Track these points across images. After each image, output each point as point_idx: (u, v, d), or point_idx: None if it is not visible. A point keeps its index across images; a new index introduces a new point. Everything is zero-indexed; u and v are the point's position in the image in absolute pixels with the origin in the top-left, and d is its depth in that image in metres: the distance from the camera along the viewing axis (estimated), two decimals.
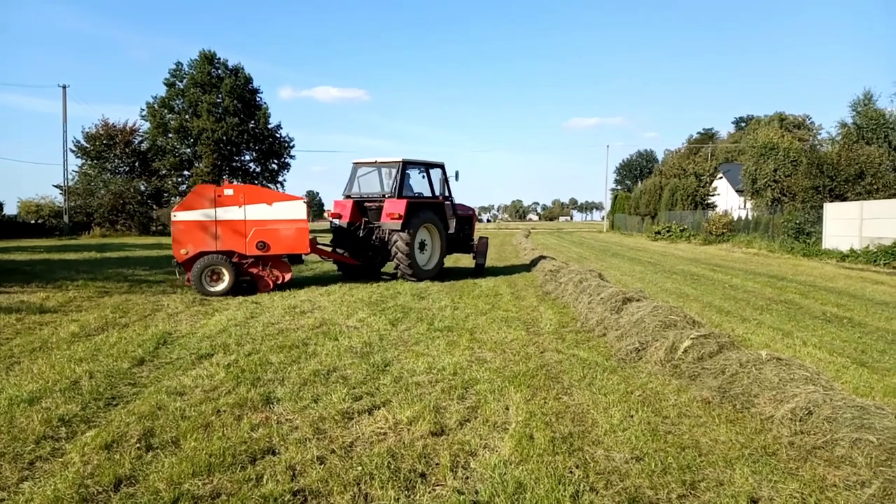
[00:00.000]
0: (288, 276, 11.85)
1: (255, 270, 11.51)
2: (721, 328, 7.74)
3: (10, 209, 39.49)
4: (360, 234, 13.34)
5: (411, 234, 12.62)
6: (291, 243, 11.55)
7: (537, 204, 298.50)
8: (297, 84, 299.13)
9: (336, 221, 12.84)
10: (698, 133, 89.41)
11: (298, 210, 11.63)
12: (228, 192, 11.15)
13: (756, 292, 12.16)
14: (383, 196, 13.10)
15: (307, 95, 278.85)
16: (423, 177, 14.07)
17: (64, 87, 36.59)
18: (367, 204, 13.59)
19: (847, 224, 20.73)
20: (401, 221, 12.40)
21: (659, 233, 38.37)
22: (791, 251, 22.39)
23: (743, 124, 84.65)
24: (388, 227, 12.71)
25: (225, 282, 10.96)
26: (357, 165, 14.07)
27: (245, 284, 11.37)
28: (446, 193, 14.53)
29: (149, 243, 28.59)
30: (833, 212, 21.78)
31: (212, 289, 10.88)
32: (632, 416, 4.48)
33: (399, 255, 12.63)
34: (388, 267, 14.19)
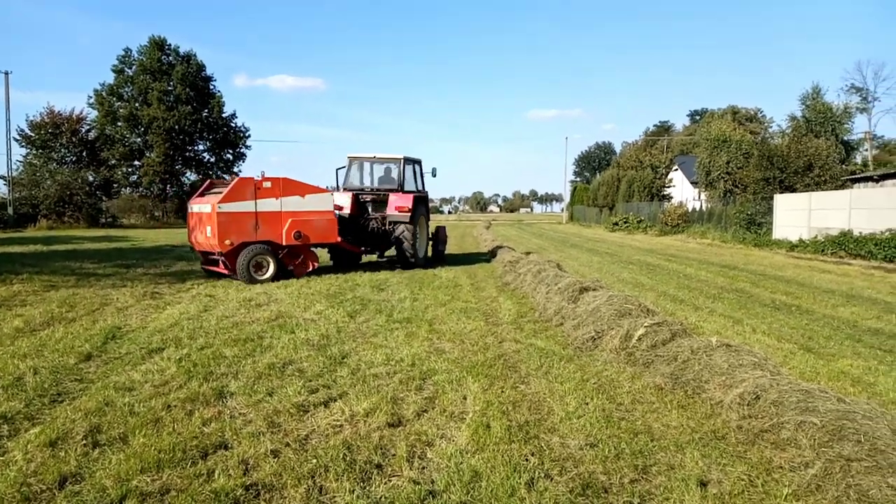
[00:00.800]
0: (316, 265, 12.58)
1: (289, 259, 12.10)
2: (674, 316, 7.90)
3: None
4: (366, 225, 14.21)
5: (415, 225, 13.85)
6: (323, 233, 12.36)
7: (498, 196, 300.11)
8: (252, 72, 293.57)
9: (337, 213, 13.11)
10: (655, 126, 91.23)
11: (327, 202, 12.46)
12: (267, 184, 11.56)
13: (709, 281, 12.47)
14: (387, 190, 14.21)
15: (262, 84, 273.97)
16: (412, 172, 15.01)
17: (6, 74, 35.05)
18: (363, 196, 14.49)
19: (796, 215, 21.42)
20: (409, 214, 13.46)
21: (616, 224, 39.00)
22: (743, 241, 23.03)
23: (698, 117, 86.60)
24: (394, 218, 13.59)
25: (270, 270, 11.54)
26: (352, 160, 14.85)
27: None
28: (423, 187, 15.62)
29: (98, 235, 27.69)
30: (783, 203, 22.48)
31: (259, 277, 11.37)
32: (587, 404, 4.54)
33: (405, 244, 13.64)
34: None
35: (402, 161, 14.32)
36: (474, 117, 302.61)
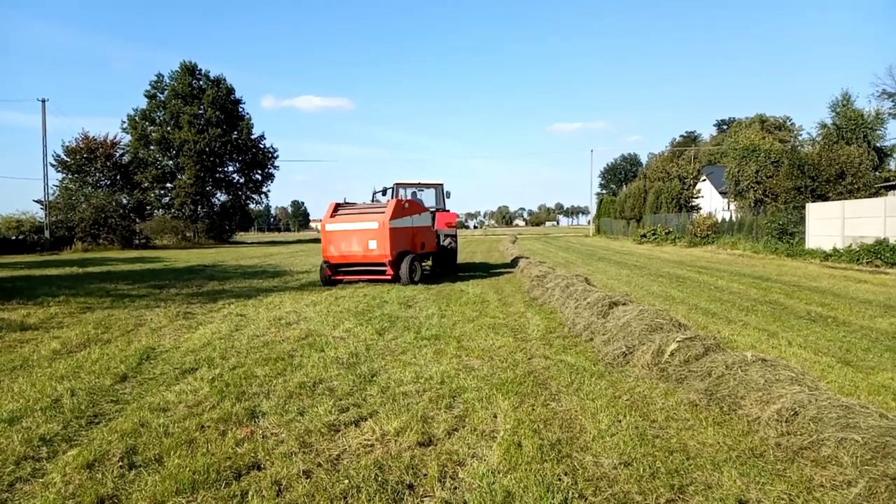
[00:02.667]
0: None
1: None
2: (707, 330, 7.77)
3: None
4: None
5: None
6: (431, 244, 15.52)
7: (523, 209, 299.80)
8: (280, 93, 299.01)
9: None
10: (681, 136, 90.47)
11: (430, 219, 15.33)
12: (406, 205, 14.17)
13: (741, 293, 12.24)
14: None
15: (290, 105, 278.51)
16: (442, 194, 18.22)
17: (43, 101, 36.20)
18: None
19: (830, 224, 20.98)
20: (455, 228, 17.03)
21: (644, 236, 38.59)
22: (775, 252, 22.60)
23: (725, 127, 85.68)
24: (446, 231, 16.61)
25: (418, 273, 14.04)
26: (398, 185, 17.75)
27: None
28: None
29: (131, 257, 28.30)
30: (815, 212, 22.05)
31: (415, 278, 13.82)
32: (620, 421, 4.47)
33: (454, 251, 16.93)
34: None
35: (441, 186, 17.89)
36: (498, 132, 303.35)
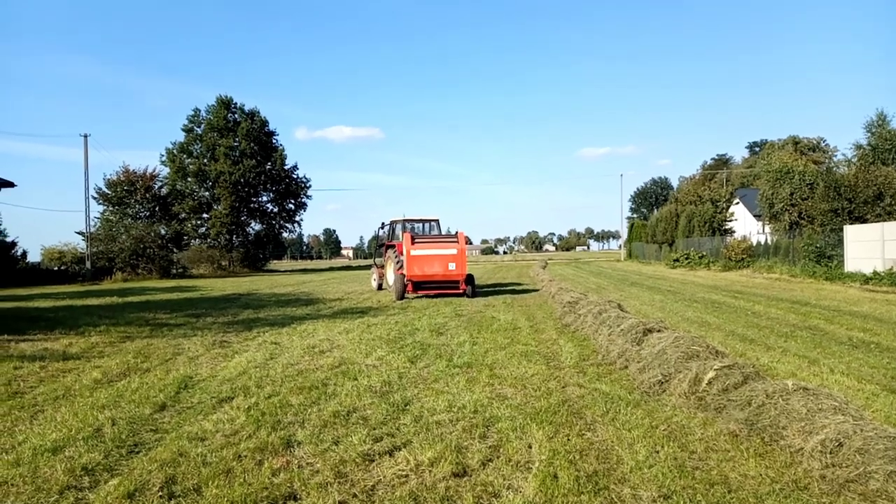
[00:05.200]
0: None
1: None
2: (745, 357, 7.61)
3: (34, 256, 40.38)
4: None
5: None
6: (465, 268, 17.74)
7: (553, 234, 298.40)
8: (312, 124, 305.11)
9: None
10: (712, 159, 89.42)
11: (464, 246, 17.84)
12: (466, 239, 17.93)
13: (779, 319, 11.97)
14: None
15: (321, 136, 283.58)
16: (437, 229, 20.84)
17: (85, 136, 37.58)
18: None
19: (869, 246, 20.46)
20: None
21: (677, 260, 38.05)
22: (813, 275, 22.08)
23: (757, 149, 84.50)
24: None
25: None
26: (395, 222, 20.62)
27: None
28: None
29: (169, 286, 28.89)
30: (854, 234, 21.53)
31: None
32: (658, 452, 4.40)
33: None
34: None
35: (438, 221, 20.66)
36: (526, 158, 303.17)
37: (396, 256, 18.57)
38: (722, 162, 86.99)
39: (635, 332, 8.15)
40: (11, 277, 32.18)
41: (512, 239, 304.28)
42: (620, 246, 71.52)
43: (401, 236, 19.01)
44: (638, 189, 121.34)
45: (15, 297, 22.75)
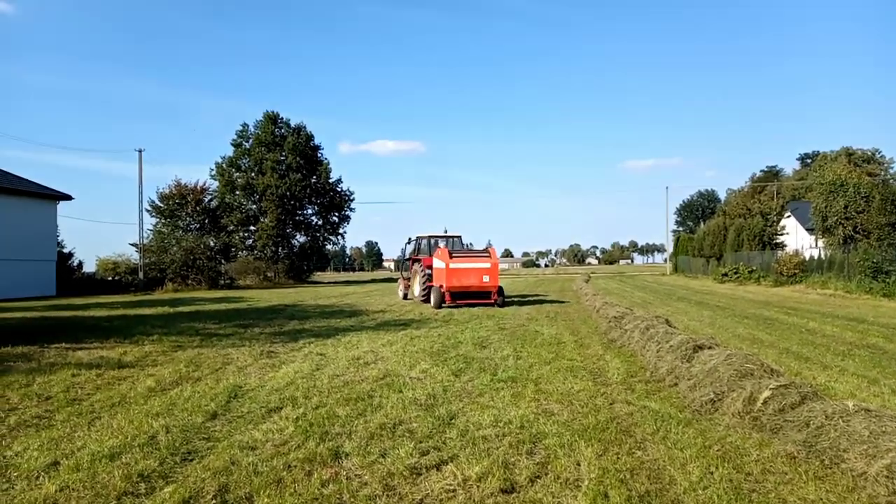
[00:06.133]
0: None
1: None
2: (801, 376, 7.36)
3: (89, 267, 41.94)
4: None
5: None
6: (497, 280, 19.43)
7: (596, 248, 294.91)
8: (355, 138, 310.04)
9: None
10: (762, 171, 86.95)
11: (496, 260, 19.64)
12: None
13: (836, 336, 11.54)
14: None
15: (365, 150, 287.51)
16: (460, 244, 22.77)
17: (140, 151, 38.94)
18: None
19: None
20: None
21: (726, 275, 37.13)
22: (869, 291, 21.23)
23: (809, 160, 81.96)
24: None
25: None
26: (420, 238, 22.64)
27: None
28: None
29: (217, 297, 29.57)
30: None
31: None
32: (712, 473, 4.28)
33: None
34: None
35: (461, 237, 22.67)
36: (569, 170, 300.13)
37: (423, 270, 20.69)
38: (772, 174, 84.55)
39: (685, 348, 7.97)
40: (69, 287, 33.43)
41: (554, 252, 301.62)
42: (666, 260, 70.16)
43: (427, 251, 21.71)
44: (684, 202, 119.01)
45: (72, 306, 23.60)
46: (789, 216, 52.62)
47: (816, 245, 39.00)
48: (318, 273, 65.88)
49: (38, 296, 30.39)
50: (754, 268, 35.71)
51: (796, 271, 29.94)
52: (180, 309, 21.27)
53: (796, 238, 48.73)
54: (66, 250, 38.57)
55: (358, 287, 41.69)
